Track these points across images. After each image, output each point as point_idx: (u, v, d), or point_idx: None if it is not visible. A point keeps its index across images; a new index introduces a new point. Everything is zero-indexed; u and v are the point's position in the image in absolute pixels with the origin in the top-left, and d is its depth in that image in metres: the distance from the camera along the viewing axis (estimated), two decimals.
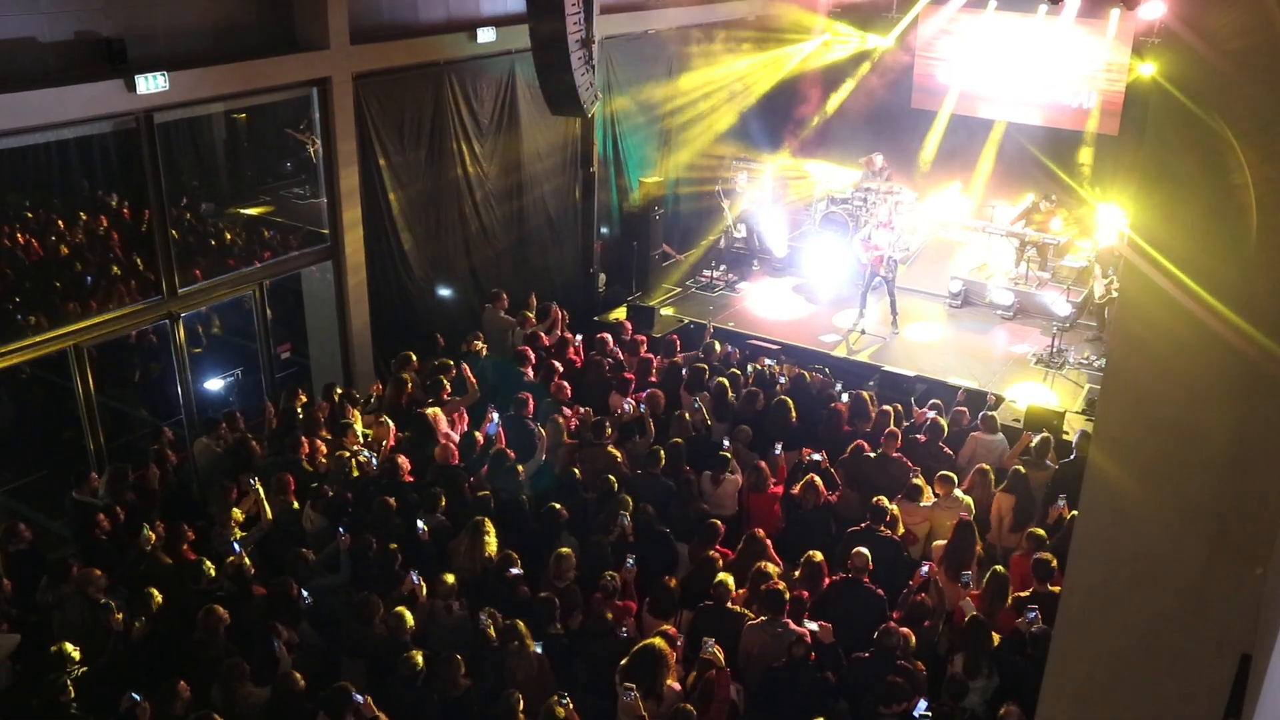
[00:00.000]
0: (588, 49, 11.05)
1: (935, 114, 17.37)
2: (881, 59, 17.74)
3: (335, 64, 10.75)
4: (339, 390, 10.16)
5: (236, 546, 7.61)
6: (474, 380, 10.33)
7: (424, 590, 7.12)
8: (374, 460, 8.79)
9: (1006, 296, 14.51)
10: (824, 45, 17.80)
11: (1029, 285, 14.64)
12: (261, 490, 8.20)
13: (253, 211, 12.64)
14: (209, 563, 7.25)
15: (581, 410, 9.96)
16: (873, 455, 9.06)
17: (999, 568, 7.51)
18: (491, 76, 12.67)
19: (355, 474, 8.70)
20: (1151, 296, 2.58)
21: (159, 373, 10.88)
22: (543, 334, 11.41)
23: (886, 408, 9.93)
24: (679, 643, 6.56)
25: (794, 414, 9.80)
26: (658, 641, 6.27)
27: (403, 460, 8.66)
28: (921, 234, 16.45)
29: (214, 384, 11.27)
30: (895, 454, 9.08)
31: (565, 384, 10.28)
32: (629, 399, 10.10)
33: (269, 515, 8.13)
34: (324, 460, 9.01)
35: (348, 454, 8.92)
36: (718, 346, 11.54)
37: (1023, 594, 7.27)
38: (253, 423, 9.87)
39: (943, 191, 17.00)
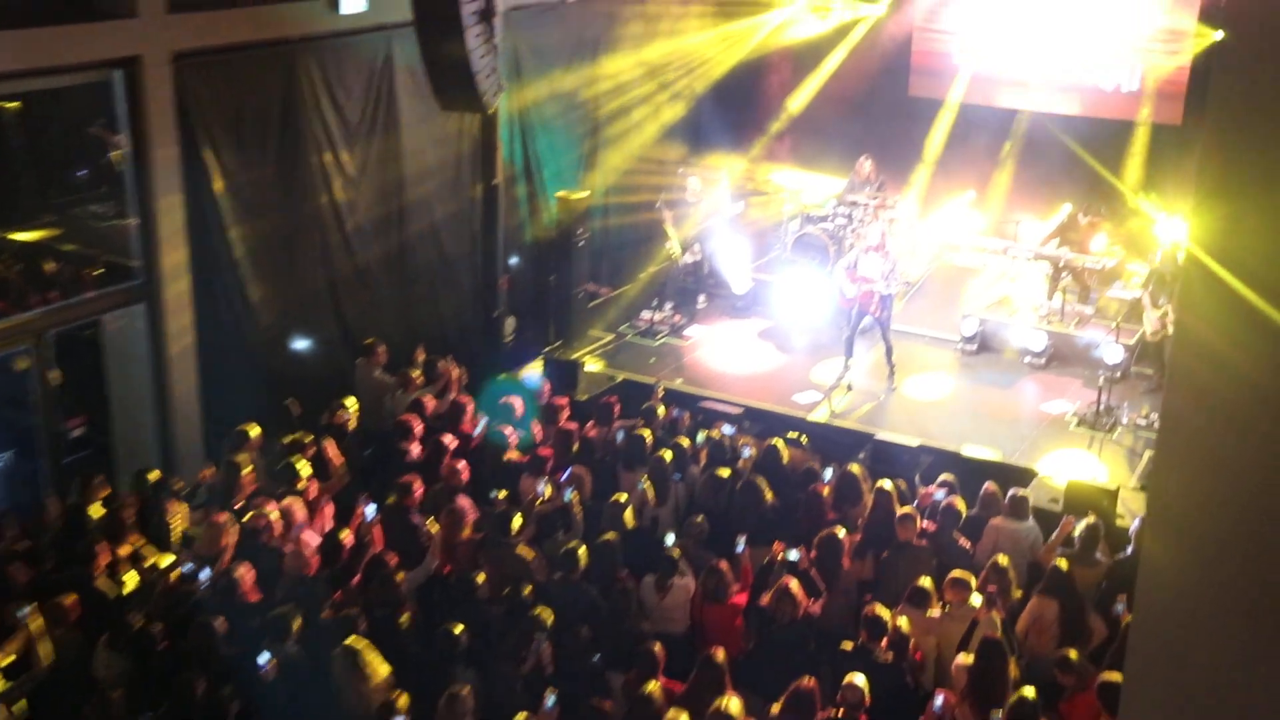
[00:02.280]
0: (488, 22, 11.15)
1: (941, 104, 17.58)
2: (871, 33, 18.07)
3: (147, 38, 10.70)
4: (154, 478, 9.99)
5: None
6: (340, 461, 10.26)
7: None
8: (202, 574, 8.60)
9: (1037, 339, 14.64)
10: (796, 15, 18.08)
11: (1066, 324, 14.82)
12: (36, 623, 7.95)
13: (29, 236, 12.47)
14: None
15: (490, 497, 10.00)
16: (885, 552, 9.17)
17: (1027, 691, 7.45)
18: (361, 60, 12.74)
19: (175, 594, 8.51)
20: (1218, 330, 2.58)
21: None
22: (432, 398, 11.42)
23: (884, 486, 9.94)
24: None
25: (763, 498, 9.82)
26: None
27: (244, 573, 8.51)
28: (924, 260, 16.62)
29: None
30: (920, 542, 9.24)
31: (462, 464, 10.23)
32: (546, 481, 10.07)
33: (45, 657, 7.90)
34: (129, 577, 8.83)
35: (164, 566, 8.72)
36: (661, 410, 11.63)
37: None
38: (28, 527, 9.67)
39: (951, 204, 17.20)
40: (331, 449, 10.32)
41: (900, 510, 9.45)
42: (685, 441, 10.87)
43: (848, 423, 13.04)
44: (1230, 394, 2.68)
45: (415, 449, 10.48)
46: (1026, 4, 17.02)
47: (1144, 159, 16.47)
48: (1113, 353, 13.60)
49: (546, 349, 14.57)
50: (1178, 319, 2.94)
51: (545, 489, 9.96)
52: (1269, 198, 2.63)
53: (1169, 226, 14.69)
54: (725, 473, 10.19)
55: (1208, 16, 15.60)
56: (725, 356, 14.94)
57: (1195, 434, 2.75)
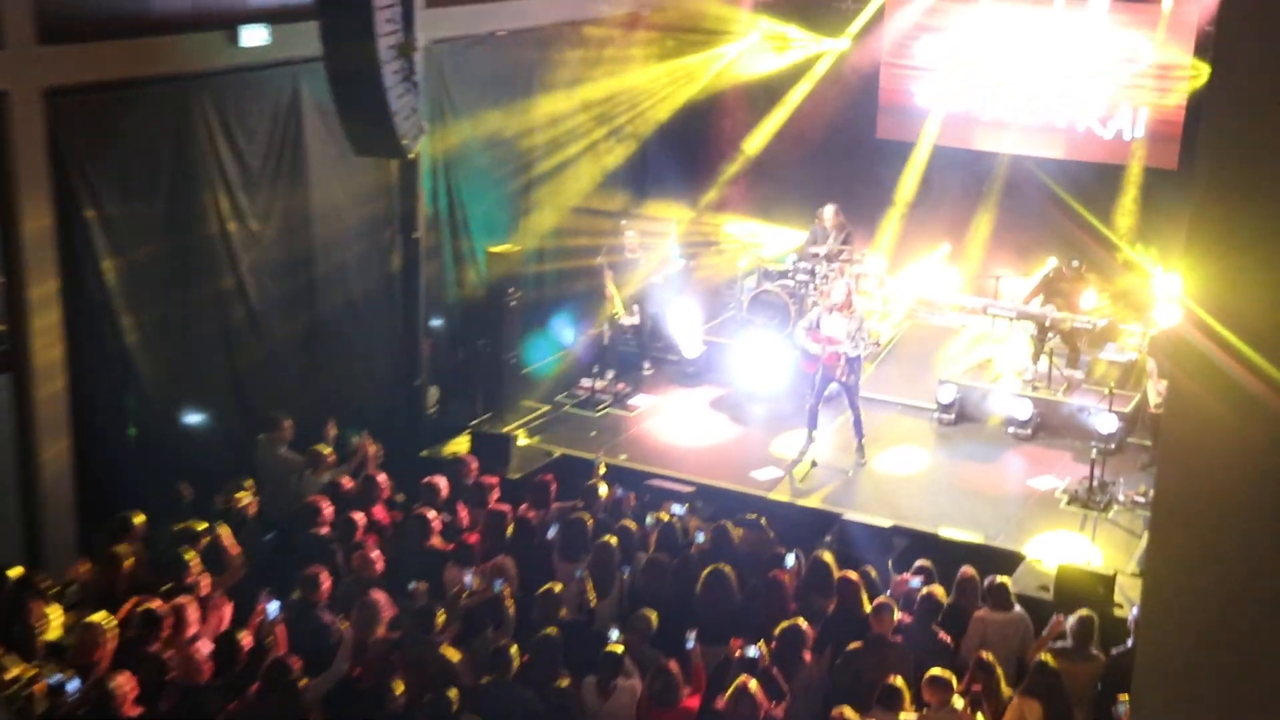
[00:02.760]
0: (408, 57, 11.17)
1: (912, 146, 17.75)
2: (834, 69, 18.23)
3: (14, 72, 10.61)
4: (15, 575, 9.72)
5: None
6: (238, 551, 10.16)
7: None
8: (71, 686, 8.42)
9: (1022, 407, 14.74)
10: (752, 50, 18.20)
11: (1054, 390, 14.94)
12: None
13: None
14: None
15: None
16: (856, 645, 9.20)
17: None
18: (265, 98, 12.71)
19: (40, 710, 8.31)
20: (1216, 394, 2.58)
21: None
22: (345, 479, 11.38)
23: (851, 574, 9.97)
24: None
25: (718, 588, 9.81)
26: None
27: (121, 683, 8.31)
28: (896, 320, 16.74)
29: None
30: (895, 636, 9.27)
31: (376, 554, 10.15)
32: (473, 572, 10.03)
33: None
34: None
35: (27, 679, 8.48)
36: (604, 490, 11.64)
37: None
38: None
39: (925, 258, 17.31)
40: (227, 538, 10.19)
41: (874, 600, 9.47)
42: (631, 525, 10.89)
43: (812, 502, 13.07)
44: (1229, 468, 2.67)
45: (325, 535, 10.42)
46: (1005, 38, 17.19)
47: (1137, 207, 16.68)
48: (1106, 422, 13.68)
49: (474, 422, 14.53)
50: (1170, 383, 2.99)
51: (473, 580, 9.89)
52: (1267, 249, 2.66)
53: (1166, 282, 14.86)
54: (675, 560, 10.20)
55: (1203, 51, 15.82)
56: (675, 429, 14.97)
57: (1192, 513, 2.74)
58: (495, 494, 11.49)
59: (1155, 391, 13.93)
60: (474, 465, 12.23)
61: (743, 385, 15.47)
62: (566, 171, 16.55)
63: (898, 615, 9.51)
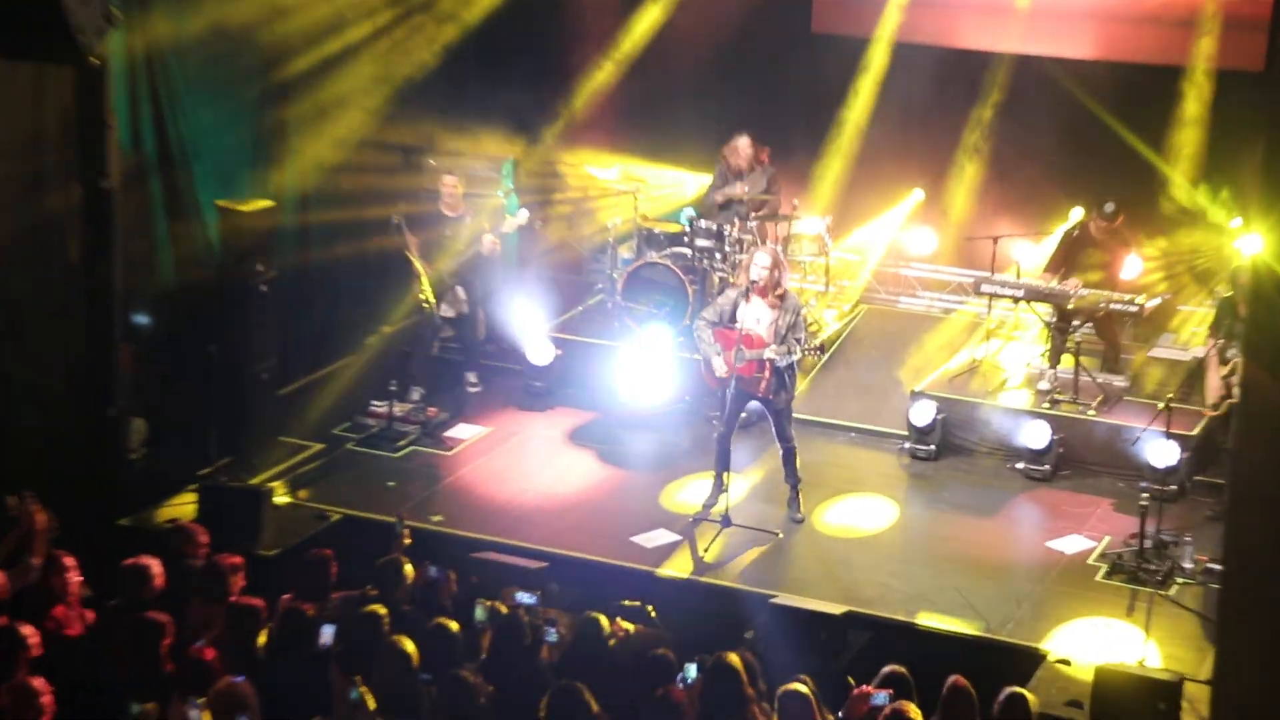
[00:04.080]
0: None
1: (865, 45, 17.87)
2: None
3: None
4: None
5: None
6: None
7: None
8: None
9: (1037, 432, 14.94)
10: None
11: (1081, 406, 15.23)
12: None
13: None
14: None
15: None
16: None
17: None
18: None
19: None
20: None
21: None
22: None
23: (798, 689, 9.85)
24: None
25: (581, 709, 9.62)
26: None
27: None
28: (846, 306, 17.42)
29: None
30: None
31: (41, 684, 9.78)
32: (201, 705, 9.76)
33: None
34: None
35: None
36: (409, 570, 11.59)
37: None
38: None
39: (888, 213, 17.93)
40: None
41: None
42: (449, 624, 10.67)
43: (724, 579, 13.24)
44: None
45: None
46: None
47: (1202, 130, 16.76)
48: (1163, 452, 13.87)
49: (204, 471, 14.64)
50: (1244, 387, 3.27)
51: (199, 715, 9.66)
52: None
53: (1250, 238, 14.75)
54: (518, 672, 10.20)
55: None
56: (516, 474, 15.20)
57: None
58: (240, 581, 11.43)
59: (1211, 386, 14.14)
60: (204, 538, 12.17)
61: (617, 408, 15.86)
62: (342, 84, 16.65)
63: None
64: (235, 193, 15.44)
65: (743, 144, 16.97)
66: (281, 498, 14.28)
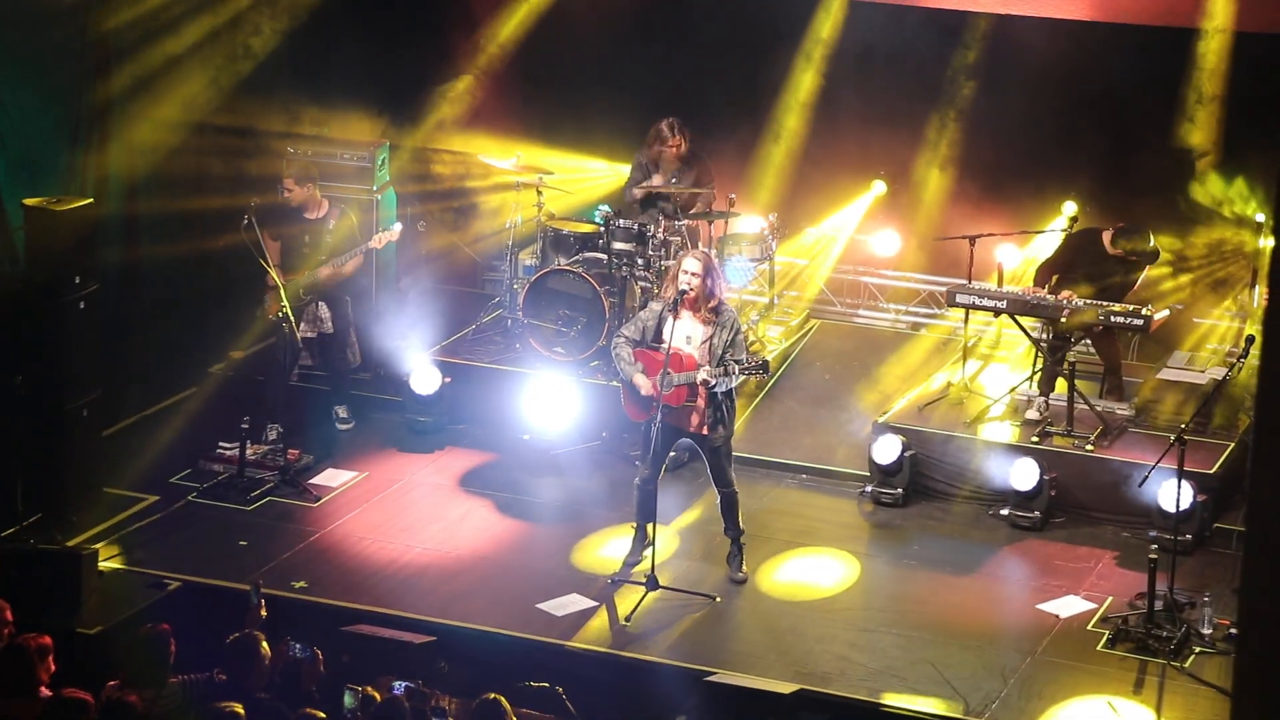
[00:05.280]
0: None
1: (813, 5, 17.80)
2: None
3: None
4: None
5: None
6: None
7: None
8: None
9: (1024, 471, 14.80)
10: None
11: (1078, 439, 15.08)
12: None
13: None
14: None
15: None
16: None
17: None
18: None
19: None
20: None
21: None
22: None
23: None
24: None
25: None
26: None
27: None
28: (793, 321, 17.43)
29: None
30: None
31: None
32: None
33: None
34: None
35: None
36: (266, 649, 11.13)
37: None
38: None
39: (843, 210, 17.82)
40: None
41: None
42: (318, 716, 10.57)
43: (651, 652, 13.12)
44: None
45: None
46: None
47: (1219, 105, 16.59)
48: (1175, 495, 13.57)
49: (8, 530, 14.42)
50: (1259, 405, 4.12)
51: None
52: None
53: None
54: None
55: None
56: (396, 529, 15.00)
57: None
58: (50, 665, 10.96)
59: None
60: (7, 613, 11.71)
61: (519, 447, 15.90)
62: (174, 59, 16.59)
63: None
64: (45, 187, 15.25)
65: (666, 130, 16.62)
66: (107, 562, 13.93)
